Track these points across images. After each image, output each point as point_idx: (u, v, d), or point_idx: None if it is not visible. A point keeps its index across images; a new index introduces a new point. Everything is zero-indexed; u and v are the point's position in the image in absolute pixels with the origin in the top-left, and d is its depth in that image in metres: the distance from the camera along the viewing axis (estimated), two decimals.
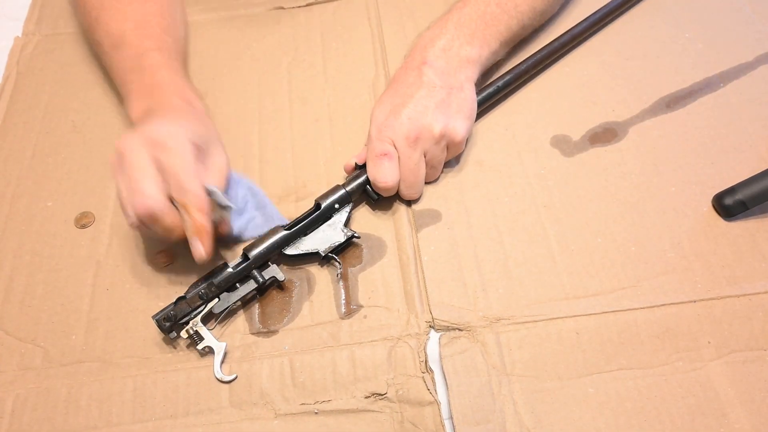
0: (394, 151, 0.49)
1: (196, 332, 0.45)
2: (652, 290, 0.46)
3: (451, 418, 0.42)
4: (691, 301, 0.46)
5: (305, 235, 0.49)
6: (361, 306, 0.47)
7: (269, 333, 0.47)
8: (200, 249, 0.44)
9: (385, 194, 0.50)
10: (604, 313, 0.45)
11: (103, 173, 0.56)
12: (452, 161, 0.54)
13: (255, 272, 0.47)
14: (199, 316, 0.45)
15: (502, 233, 0.50)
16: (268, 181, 0.55)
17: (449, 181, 0.53)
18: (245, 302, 0.48)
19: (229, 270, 0.46)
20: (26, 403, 0.44)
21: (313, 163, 0.56)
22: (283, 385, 0.44)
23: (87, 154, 0.58)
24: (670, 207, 0.50)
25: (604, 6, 0.61)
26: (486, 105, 0.56)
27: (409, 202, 0.52)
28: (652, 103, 0.56)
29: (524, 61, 0.57)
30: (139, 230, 0.46)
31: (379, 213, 0.52)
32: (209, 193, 0.44)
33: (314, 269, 0.49)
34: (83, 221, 0.53)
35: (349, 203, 0.50)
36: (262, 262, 0.47)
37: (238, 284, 0.47)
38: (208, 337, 0.45)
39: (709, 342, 0.44)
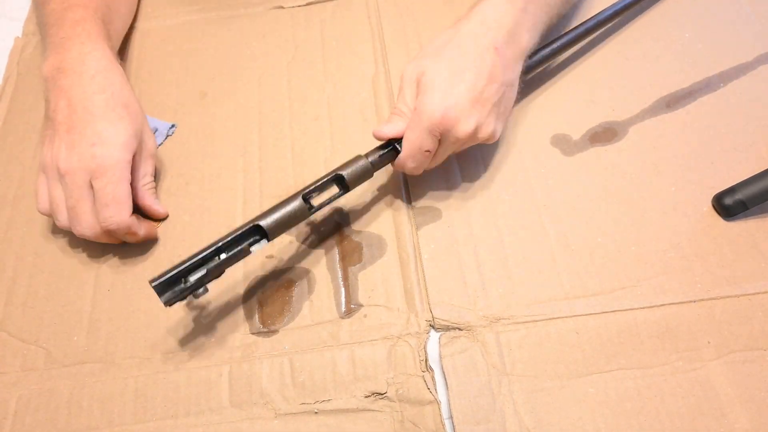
0: (437, 146, 0.47)
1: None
2: (652, 290, 0.46)
3: (451, 417, 0.42)
4: (691, 301, 0.46)
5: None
6: (361, 305, 0.47)
7: (269, 333, 0.47)
8: (140, 240, 0.51)
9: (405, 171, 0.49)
10: (603, 312, 0.45)
11: None
12: (452, 160, 0.54)
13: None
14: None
15: (502, 232, 0.50)
16: (268, 181, 0.55)
17: (449, 179, 0.53)
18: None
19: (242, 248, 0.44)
20: (29, 404, 0.45)
21: (313, 161, 0.56)
22: (283, 384, 0.44)
23: None
24: (670, 207, 0.50)
25: (612, 5, 0.60)
26: None
27: (409, 199, 0.52)
28: (652, 103, 0.56)
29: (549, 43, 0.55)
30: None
31: (379, 211, 0.52)
32: None
33: (315, 269, 0.50)
34: None
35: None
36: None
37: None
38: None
39: (708, 342, 0.44)
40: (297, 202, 0.45)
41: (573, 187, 0.52)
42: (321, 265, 0.50)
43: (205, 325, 0.47)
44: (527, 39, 0.48)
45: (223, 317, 0.48)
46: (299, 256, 0.50)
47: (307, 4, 0.68)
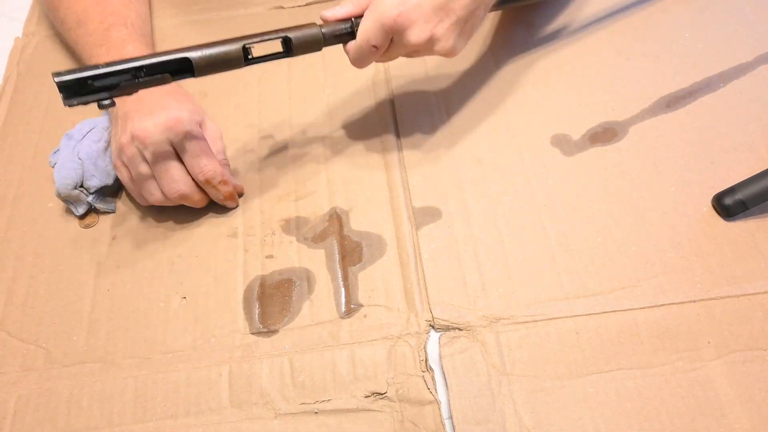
0: (386, 46, 0.45)
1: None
2: (651, 290, 0.46)
3: (451, 417, 0.42)
4: (691, 301, 0.46)
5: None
6: (361, 305, 0.47)
7: (269, 333, 0.47)
8: (233, 206, 0.53)
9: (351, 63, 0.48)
10: (603, 313, 0.45)
11: None
12: (452, 160, 0.54)
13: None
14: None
15: (502, 232, 0.50)
16: (268, 181, 0.55)
17: (449, 179, 0.53)
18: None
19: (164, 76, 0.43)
20: (28, 404, 0.45)
21: (313, 161, 0.56)
22: (283, 384, 0.44)
23: None
24: (670, 207, 0.50)
25: None
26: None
27: (409, 199, 0.52)
28: (652, 103, 0.56)
29: None
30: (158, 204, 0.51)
31: (379, 211, 0.52)
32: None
33: (315, 269, 0.50)
34: (87, 221, 0.53)
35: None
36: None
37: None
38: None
39: (708, 342, 0.44)
40: (235, 47, 0.43)
41: (573, 187, 0.52)
42: (321, 265, 0.50)
43: (204, 325, 0.47)
44: None
45: (223, 317, 0.48)
46: (299, 256, 0.50)
47: (307, 4, 0.68)
